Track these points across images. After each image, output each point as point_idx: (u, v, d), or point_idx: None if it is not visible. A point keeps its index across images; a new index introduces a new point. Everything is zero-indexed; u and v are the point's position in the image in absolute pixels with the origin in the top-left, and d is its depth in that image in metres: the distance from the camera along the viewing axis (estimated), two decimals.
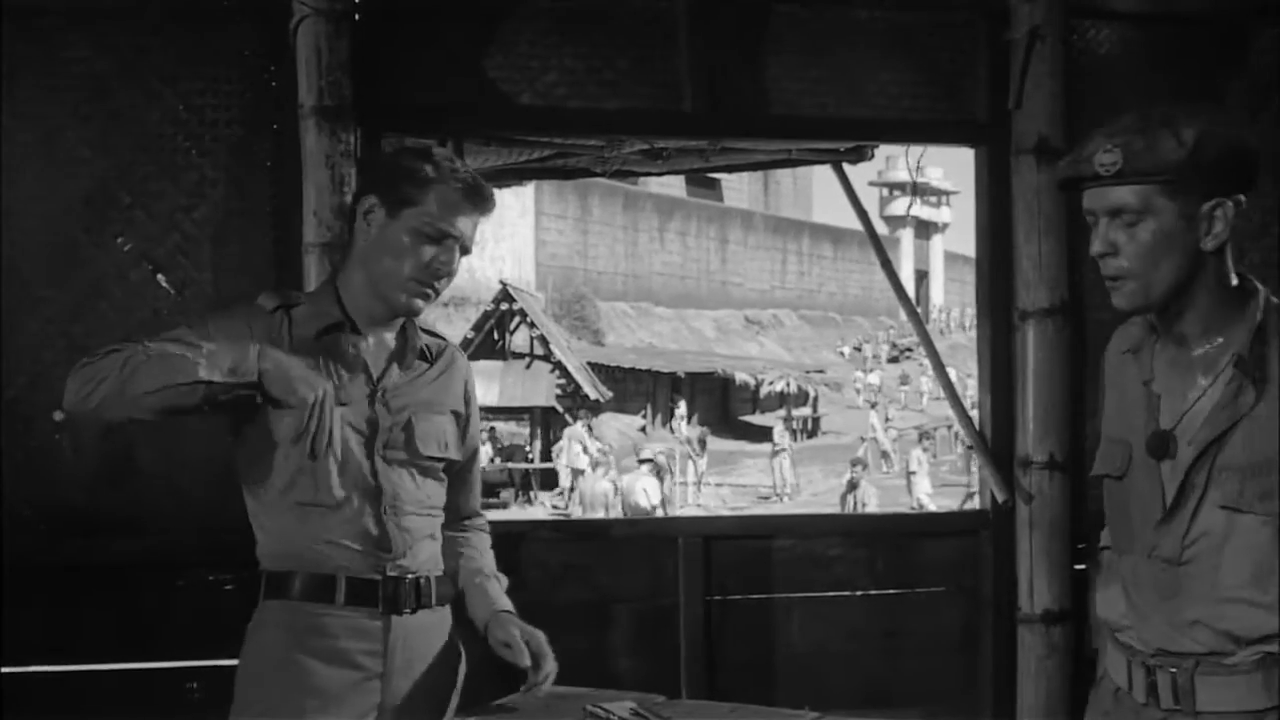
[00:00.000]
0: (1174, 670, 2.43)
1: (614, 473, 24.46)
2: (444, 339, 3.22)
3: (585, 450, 27.62)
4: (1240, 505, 2.35)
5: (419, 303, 2.99)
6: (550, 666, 3.03)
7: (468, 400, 3.25)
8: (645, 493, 21.54)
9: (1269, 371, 2.37)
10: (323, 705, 2.90)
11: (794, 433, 38.35)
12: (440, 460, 3.12)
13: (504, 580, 3.25)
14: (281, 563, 2.96)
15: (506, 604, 3.18)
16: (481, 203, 2.99)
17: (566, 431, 29.35)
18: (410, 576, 3.00)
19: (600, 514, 22.51)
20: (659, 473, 23.27)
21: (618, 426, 35.67)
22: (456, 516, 3.24)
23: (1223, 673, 2.38)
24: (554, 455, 29.34)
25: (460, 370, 3.22)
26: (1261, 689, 2.36)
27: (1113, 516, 2.61)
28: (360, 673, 2.94)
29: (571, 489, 27.44)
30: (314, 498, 2.92)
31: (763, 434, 36.14)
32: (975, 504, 5.33)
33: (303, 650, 2.91)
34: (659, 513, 21.68)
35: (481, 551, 3.29)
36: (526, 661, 3.02)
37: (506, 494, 29.43)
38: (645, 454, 24.02)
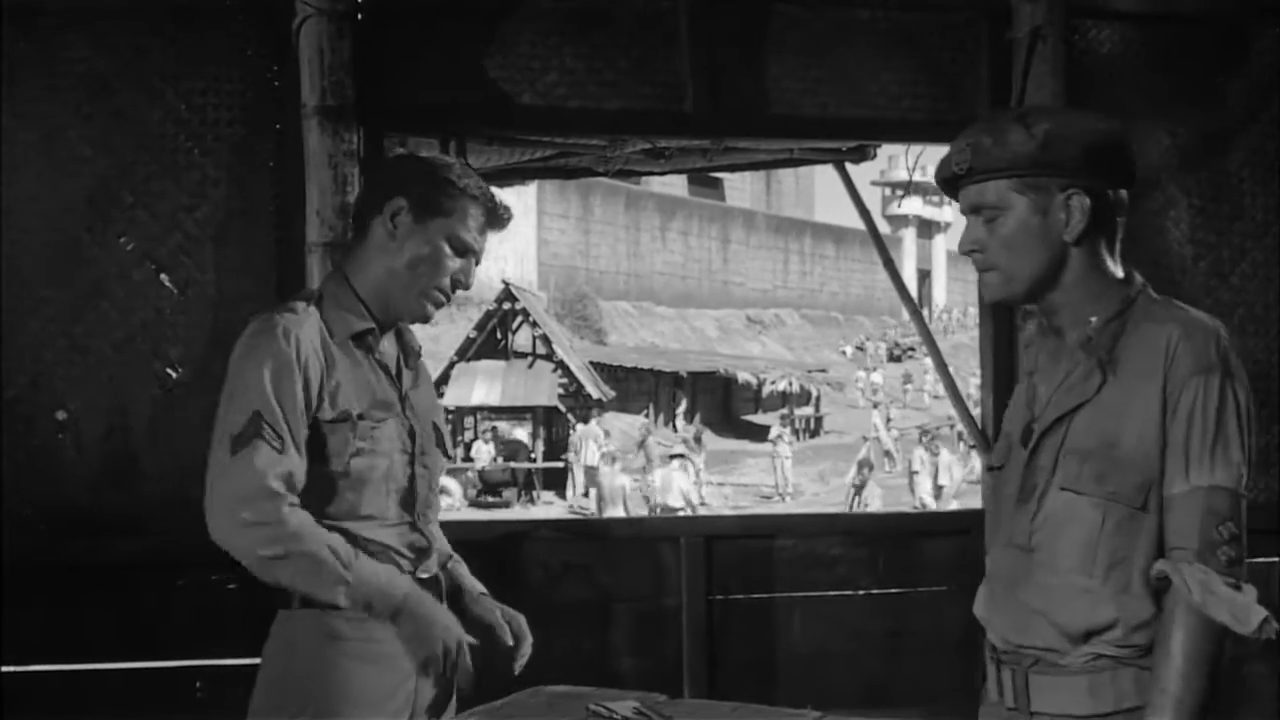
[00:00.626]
0: (1014, 668, 2.41)
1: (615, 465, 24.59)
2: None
3: (601, 448, 27.78)
4: (1078, 487, 2.33)
5: (433, 310, 3.00)
6: (528, 648, 3.06)
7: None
8: (682, 493, 22.08)
9: (1120, 355, 2.34)
10: (368, 709, 2.89)
11: (796, 432, 38.35)
12: (451, 460, 3.14)
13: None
14: None
15: (481, 586, 3.21)
16: (502, 223, 3.02)
17: (581, 430, 29.43)
18: (430, 575, 3.01)
19: (619, 507, 22.65)
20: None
21: (620, 426, 35.64)
22: None
23: (1053, 673, 2.36)
24: (573, 452, 29.32)
25: (427, 371, 3.24)
26: (1087, 693, 2.32)
27: (988, 509, 2.61)
28: (400, 673, 2.94)
29: (589, 487, 27.65)
30: (358, 512, 2.89)
31: (765, 433, 36.15)
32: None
33: (346, 656, 2.87)
34: (687, 511, 22.05)
35: (443, 539, 3.31)
36: (509, 641, 3.05)
37: (509, 493, 29.42)
38: (676, 449, 24.59)
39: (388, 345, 3.04)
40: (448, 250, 2.93)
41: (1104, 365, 2.34)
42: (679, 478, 22.89)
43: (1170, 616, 2.24)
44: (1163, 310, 2.36)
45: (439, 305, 2.99)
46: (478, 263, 3.02)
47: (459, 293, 3.04)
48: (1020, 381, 2.58)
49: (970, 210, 2.42)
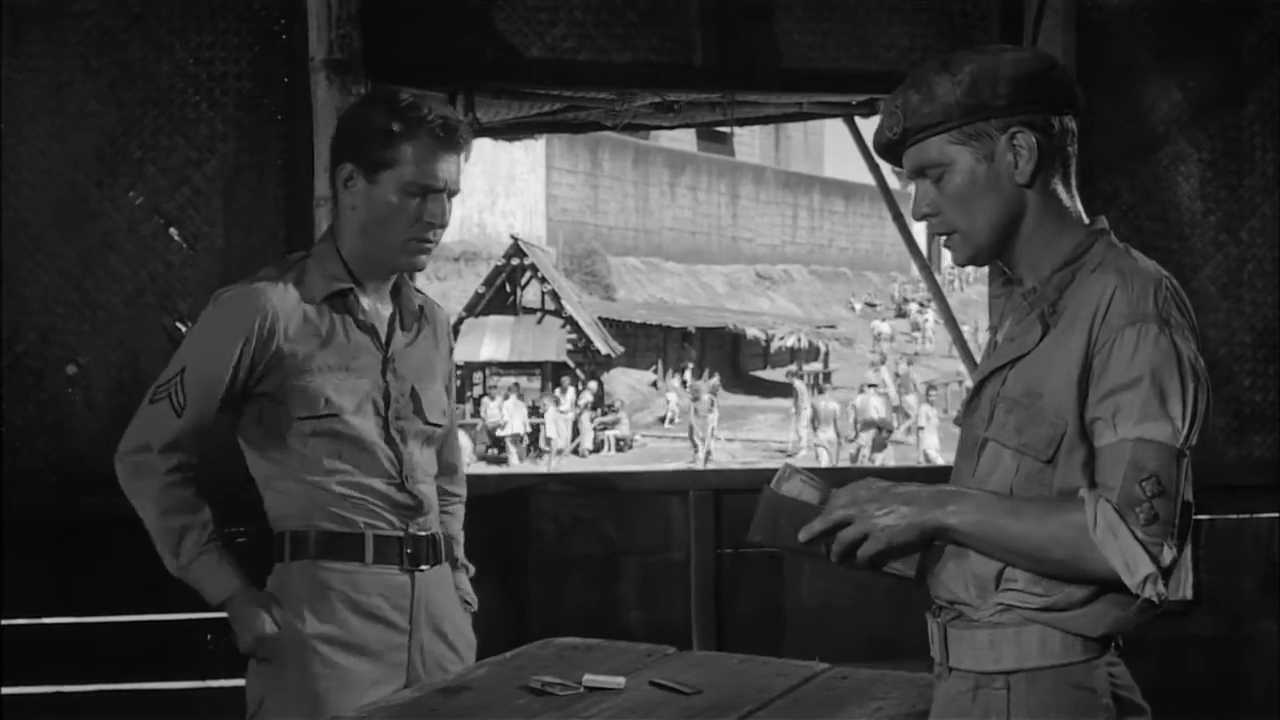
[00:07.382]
0: (939, 621, 2.34)
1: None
2: (422, 293, 3.21)
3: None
4: (1001, 439, 2.23)
5: (421, 259, 2.99)
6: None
7: (450, 356, 3.27)
8: (876, 409, 26.48)
9: (1063, 307, 2.21)
10: (368, 658, 2.93)
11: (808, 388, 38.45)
12: (440, 426, 3.12)
13: (470, 569, 3.31)
14: (303, 523, 2.95)
15: (466, 571, 3.29)
16: (458, 143, 2.93)
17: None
18: (425, 534, 3.03)
19: (830, 427, 26.75)
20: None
21: (629, 382, 35.66)
22: (444, 471, 3.25)
23: (964, 626, 2.28)
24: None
25: (442, 325, 3.22)
26: (988, 647, 2.23)
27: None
28: (391, 629, 2.97)
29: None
30: (336, 469, 2.93)
31: (774, 389, 36.13)
32: None
33: (340, 607, 2.93)
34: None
35: (456, 517, 3.32)
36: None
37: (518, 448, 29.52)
38: (872, 379, 29.22)
39: (379, 304, 3.04)
40: (408, 199, 2.90)
41: (1045, 317, 2.23)
42: (875, 400, 26.75)
43: (1060, 505, 2.14)
44: (1112, 258, 2.23)
45: (423, 251, 2.97)
46: (452, 194, 2.96)
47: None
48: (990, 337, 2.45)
49: (916, 173, 2.31)
